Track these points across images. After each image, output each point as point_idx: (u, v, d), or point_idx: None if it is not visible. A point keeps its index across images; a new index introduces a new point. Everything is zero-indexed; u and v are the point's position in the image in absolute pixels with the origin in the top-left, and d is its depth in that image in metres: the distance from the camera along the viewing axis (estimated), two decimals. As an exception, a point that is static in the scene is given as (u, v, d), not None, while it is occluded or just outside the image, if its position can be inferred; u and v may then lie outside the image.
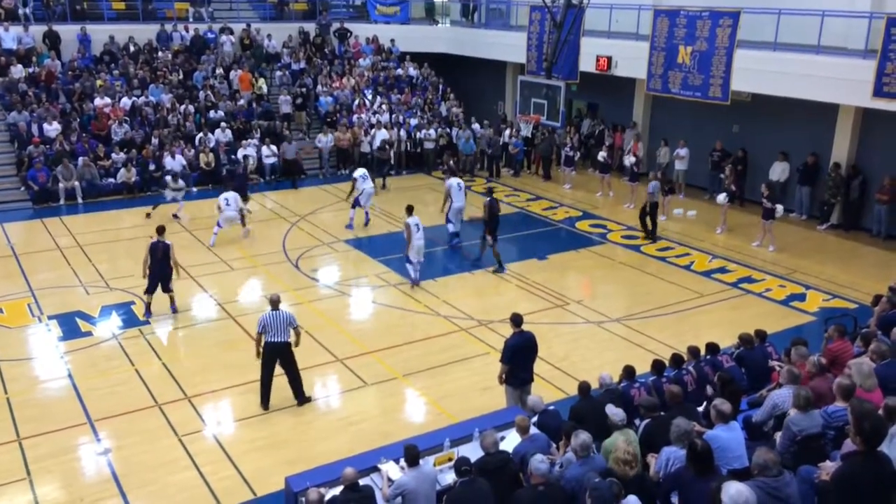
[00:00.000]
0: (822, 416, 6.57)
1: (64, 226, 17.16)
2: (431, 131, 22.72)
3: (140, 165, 19.63)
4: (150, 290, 12.28)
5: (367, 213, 17.34)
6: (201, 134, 20.86)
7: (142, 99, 21.52)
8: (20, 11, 22.51)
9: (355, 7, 29.14)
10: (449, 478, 6.92)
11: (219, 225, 15.90)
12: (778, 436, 6.68)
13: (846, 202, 17.39)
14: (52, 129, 19.72)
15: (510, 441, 7.24)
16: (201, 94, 22.39)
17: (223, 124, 21.40)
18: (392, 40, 26.64)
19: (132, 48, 23.36)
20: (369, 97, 24.01)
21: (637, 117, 22.18)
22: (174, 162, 19.30)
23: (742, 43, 17.03)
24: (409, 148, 22.84)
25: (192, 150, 20.40)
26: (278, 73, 24.37)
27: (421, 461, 6.67)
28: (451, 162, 20.20)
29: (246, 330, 11.85)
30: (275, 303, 9.61)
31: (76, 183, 18.75)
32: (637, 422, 7.34)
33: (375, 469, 7.14)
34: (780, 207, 15.74)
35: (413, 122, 23.11)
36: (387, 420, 9.61)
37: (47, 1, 23.07)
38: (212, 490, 8.21)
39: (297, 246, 15.96)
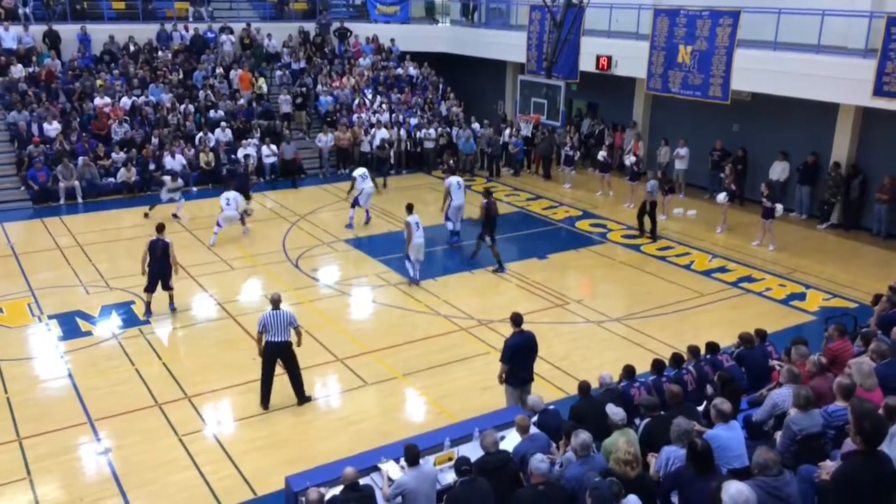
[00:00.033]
0: (823, 415, 6.57)
1: (64, 225, 17.15)
2: (431, 131, 22.70)
3: (140, 165, 19.63)
4: (149, 289, 12.28)
5: (367, 212, 17.35)
6: (201, 133, 20.86)
7: (142, 98, 21.52)
8: (20, 11, 22.50)
9: (355, 6, 29.17)
10: (449, 477, 6.92)
11: (219, 224, 15.90)
12: (778, 435, 6.68)
13: (846, 201, 17.38)
14: (52, 128, 19.72)
15: (510, 441, 7.23)
16: (201, 94, 22.39)
17: (223, 124, 21.39)
18: (392, 40, 26.64)
19: (132, 48, 23.36)
20: (369, 97, 24.01)
21: (637, 117, 22.17)
22: (174, 161, 19.28)
23: (742, 42, 17.02)
24: (409, 147, 22.81)
25: (192, 150, 20.39)
26: (278, 72, 24.38)
27: (421, 461, 6.67)
28: (451, 161, 20.22)
29: (246, 329, 11.86)
30: (276, 302, 9.60)
31: (76, 182, 18.73)
32: (637, 421, 7.35)
33: (375, 469, 7.14)
34: (779, 207, 15.74)
35: (413, 121, 23.10)
36: (387, 420, 9.61)
37: (47, 0, 23.06)
38: (212, 490, 8.21)
39: (297, 245, 15.96)
